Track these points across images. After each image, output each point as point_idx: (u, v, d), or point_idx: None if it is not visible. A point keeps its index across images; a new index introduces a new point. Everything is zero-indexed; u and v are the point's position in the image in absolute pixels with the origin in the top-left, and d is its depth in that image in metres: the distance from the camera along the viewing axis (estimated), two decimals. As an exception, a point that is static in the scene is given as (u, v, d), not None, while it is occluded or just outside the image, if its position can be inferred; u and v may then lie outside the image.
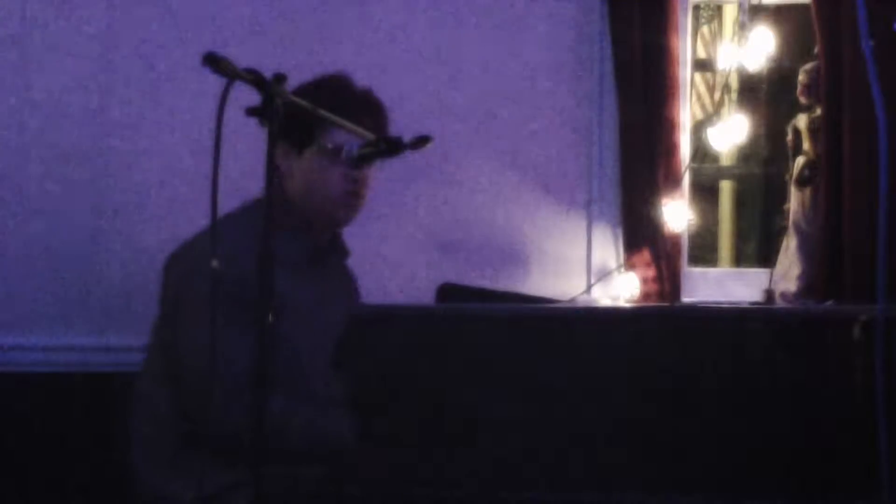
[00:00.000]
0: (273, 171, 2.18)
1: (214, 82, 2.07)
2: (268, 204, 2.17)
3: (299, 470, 2.56)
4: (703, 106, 5.08)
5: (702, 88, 5.10)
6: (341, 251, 2.94)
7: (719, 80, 4.41)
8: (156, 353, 2.74)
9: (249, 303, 2.24)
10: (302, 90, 2.64)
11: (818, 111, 3.72)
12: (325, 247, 2.87)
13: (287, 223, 2.71)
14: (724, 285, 3.93)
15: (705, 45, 5.28)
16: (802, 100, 3.77)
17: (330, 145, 2.76)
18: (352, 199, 2.78)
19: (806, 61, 3.78)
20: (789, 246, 3.79)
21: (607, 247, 3.80)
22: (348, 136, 2.61)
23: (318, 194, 2.78)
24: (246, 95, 2.15)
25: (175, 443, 2.64)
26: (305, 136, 2.75)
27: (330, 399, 2.73)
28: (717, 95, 5.23)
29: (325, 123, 2.64)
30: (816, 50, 3.72)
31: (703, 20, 5.25)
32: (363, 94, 2.82)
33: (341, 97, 2.74)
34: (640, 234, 3.75)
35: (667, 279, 3.72)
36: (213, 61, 2.07)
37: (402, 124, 2.66)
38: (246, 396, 2.43)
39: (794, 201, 3.78)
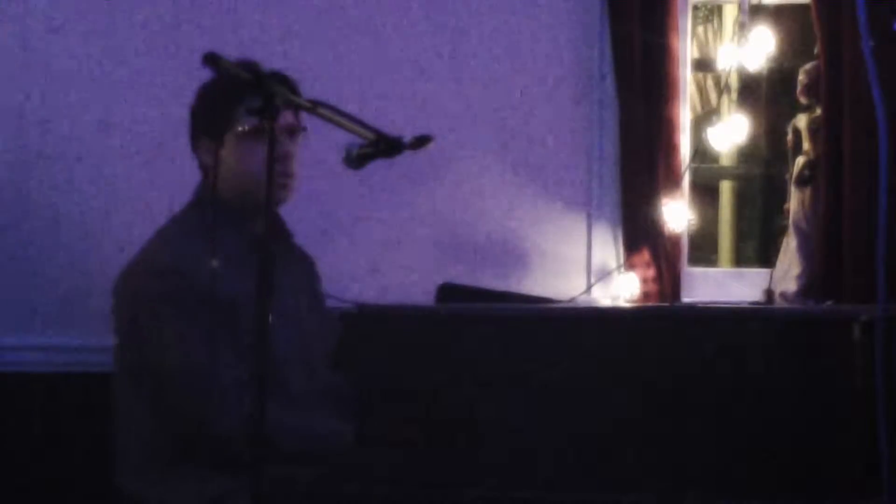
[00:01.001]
0: (273, 169, 2.17)
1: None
2: (268, 202, 2.17)
3: (298, 470, 2.55)
4: (693, 106, 5.08)
5: (692, 87, 5.10)
6: (283, 234, 2.80)
7: (721, 79, 4.40)
8: (125, 377, 2.69)
9: (207, 307, 2.23)
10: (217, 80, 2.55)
11: (818, 111, 3.72)
12: (264, 233, 2.77)
13: (224, 218, 2.61)
14: (724, 285, 3.92)
15: (700, 46, 5.28)
16: (802, 100, 3.77)
17: (246, 127, 2.64)
18: (280, 178, 2.64)
19: (806, 61, 3.78)
20: (789, 246, 3.78)
21: (607, 247, 3.79)
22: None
23: (245, 179, 2.65)
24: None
25: (164, 456, 2.60)
26: (221, 124, 2.65)
27: (316, 392, 2.68)
28: (710, 95, 5.24)
29: (239, 106, 2.54)
30: (816, 50, 3.72)
31: (698, 20, 5.24)
32: (275, 73, 2.71)
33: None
34: (640, 234, 3.74)
35: (667, 279, 3.72)
36: (213, 61, 2.07)
37: (402, 124, 2.65)
38: (232, 398, 2.43)
39: (794, 201, 3.78)
